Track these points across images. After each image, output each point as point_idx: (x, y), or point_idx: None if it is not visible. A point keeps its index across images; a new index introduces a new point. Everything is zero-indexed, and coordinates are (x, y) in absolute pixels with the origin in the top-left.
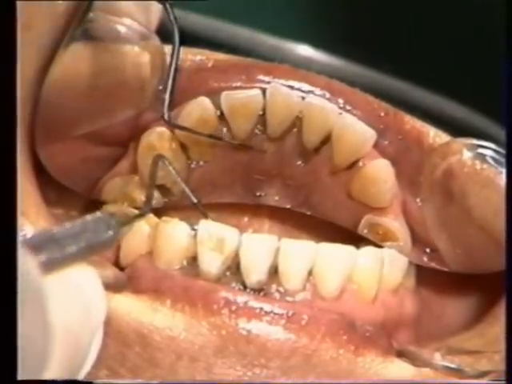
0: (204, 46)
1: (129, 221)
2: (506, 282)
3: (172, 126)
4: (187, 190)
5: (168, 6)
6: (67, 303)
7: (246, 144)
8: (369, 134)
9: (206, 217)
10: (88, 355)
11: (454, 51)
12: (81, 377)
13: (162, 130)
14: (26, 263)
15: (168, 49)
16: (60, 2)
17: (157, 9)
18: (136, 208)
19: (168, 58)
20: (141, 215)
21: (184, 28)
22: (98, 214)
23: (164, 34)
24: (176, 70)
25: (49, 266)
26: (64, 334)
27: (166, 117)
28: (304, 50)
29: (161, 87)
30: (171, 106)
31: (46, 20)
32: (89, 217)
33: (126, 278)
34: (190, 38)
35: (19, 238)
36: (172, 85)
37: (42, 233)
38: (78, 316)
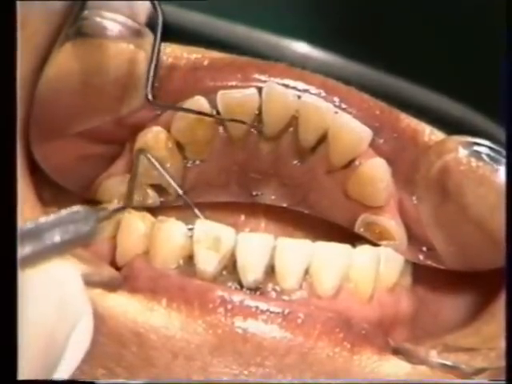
0: (200, 43)
1: (108, 215)
2: (505, 280)
3: (156, 105)
4: (172, 182)
5: None
6: (40, 298)
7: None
8: (365, 133)
9: (192, 210)
10: (66, 349)
11: (450, 49)
12: (65, 372)
13: (158, 129)
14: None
15: (168, 46)
16: (54, 1)
17: (145, 4)
18: (133, 208)
19: (164, 56)
20: (120, 209)
21: (180, 26)
22: (76, 207)
23: (168, 31)
24: (159, 49)
25: (19, 263)
26: (36, 329)
27: (149, 97)
28: (301, 48)
29: (156, 85)
30: (154, 87)
31: (40, 19)
32: (65, 210)
33: (122, 278)
34: (186, 36)
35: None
36: (155, 64)
37: (22, 227)
38: (53, 310)
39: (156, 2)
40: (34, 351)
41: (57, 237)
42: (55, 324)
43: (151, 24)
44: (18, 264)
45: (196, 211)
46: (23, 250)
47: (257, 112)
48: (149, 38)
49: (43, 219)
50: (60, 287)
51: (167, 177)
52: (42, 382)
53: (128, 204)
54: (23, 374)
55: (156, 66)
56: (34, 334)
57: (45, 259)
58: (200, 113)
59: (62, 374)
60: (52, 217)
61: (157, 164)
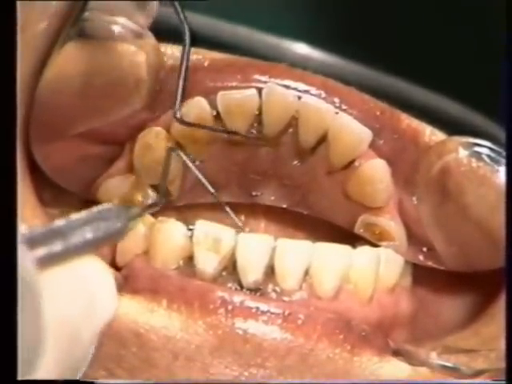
0: (201, 44)
1: (139, 213)
2: (505, 281)
3: (185, 124)
4: (204, 181)
5: (177, 5)
6: (68, 297)
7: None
8: (365, 134)
9: (224, 209)
10: (90, 351)
11: (450, 49)
12: (79, 374)
13: (158, 129)
14: (22, 260)
15: (169, 48)
16: (54, 2)
17: (151, 6)
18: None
19: (165, 58)
20: (151, 206)
21: (181, 26)
22: (107, 205)
23: (170, 33)
24: (187, 69)
25: (48, 260)
26: (60, 330)
27: (177, 115)
28: (301, 48)
29: (158, 88)
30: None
31: (40, 20)
32: (96, 208)
33: (122, 278)
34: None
35: (18, 238)
36: (183, 84)
37: (44, 227)
38: (80, 309)
39: (183, 19)
40: (58, 351)
41: (88, 234)
42: (81, 324)
43: (177, 35)
44: (47, 262)
45: (232, 216)
46: (53, 248)
47: (257, 112)
48: (149, 39)
49: (74, 216)
50: (88, 286)
51: (199, 175)
52: (42, 382)
53: (160, 202)
54: (44, 373)
55: (184, 84)
56: (58, 333)
57: (75, 257)
58: (228, 131)
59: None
60: (83, 214)
61: (189, 162)
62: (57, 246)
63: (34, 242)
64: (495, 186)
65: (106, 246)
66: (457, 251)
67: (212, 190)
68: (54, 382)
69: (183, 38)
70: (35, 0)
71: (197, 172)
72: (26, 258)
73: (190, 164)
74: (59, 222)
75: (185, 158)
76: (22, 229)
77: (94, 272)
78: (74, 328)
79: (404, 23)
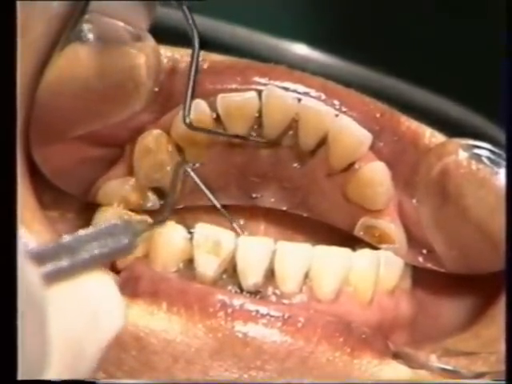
0: (201, 45)
1: (146, 228)
2: (506, 283)
3: (194, 129)
4: (211, 196)
5: (186, 9)
6: (72, 312)
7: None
8: (365, 137)
9: (230, 222)
10: (94, 363)
11: (450, 51)
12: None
13: (158, 132)
14: (28, 275)
15: (169, 50)
16: (54, 4)
17: (151, 9)
18: (131, 210)
19: (165, 60)
20: (158, 222)
21: (180, 28)
22: (114, 221)
23: (170, 35)
24: (196, 73)
25: (55, 276)
26: (65, 345)
27: (187, 121)
28: (300, 49)
29: (156, 89)
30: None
31: (40, 22)
32: (103, 224)
33: (122, 281)
34: (186, 38)
35: (19, 242)
36: (192, 89)
37: (51, 242)
38: (84, 325)
39: (193, 28)
40: (62, 366)
41: (95, 250)
42: (85, 339)
43: (177, 36)
44: (54, 277)
45: (235, 226)
46: (60, 263)
47: (257, 115)
48: (149, 41)
49: (82, 232)
50: (93, 301)
51: (204, 189)
52: (42, 382)
53: (166, 217)
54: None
55: (193, 90)
56: (62, 348)
57: (79, 273)
58: (237, 136)
59: None
60: (90, 230)
61: (195, 177)
62: (64, 262)
63: (41, 257)
64: (495, 188)
65: (112, 261)
66: (456, 253)
67: (218, 205)
68: (54, 382)
69: (192, 43)
70: (35, 0)
71: (203, 187)
72: (32, 273)
73: (198, 180)
74: (67, 238)
75: (192, 174)
76: (22, 232)
77: (99, 287)
78: (79, 343)
79: (404, 24)
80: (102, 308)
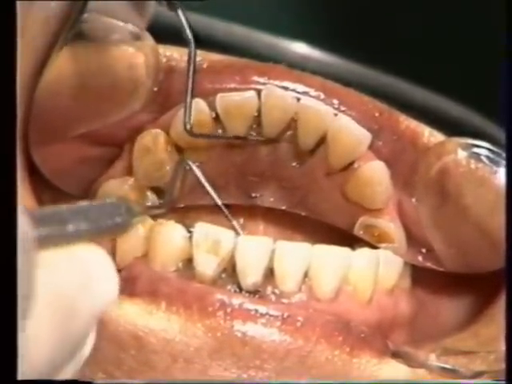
0: (198, 44)
1: (142, 211)
2: (505, 282)
3: (195, 136)
4: (213, 193)
5: (180, 12)
6: (64, 272)
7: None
8: (364, 136)
9: (229, 220)
10: (88, 327)
11: (449, 49)
12: (78, 361)
13: (157, 131)
14: (21, 223)
15: (168, 49)
16: (53, 4)
17: (149, 8)
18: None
19: (163, 59)
20: (155, 207)
21: (179, 27)
22: (110, 199)
23: (168, 34)
24: (194, 75)
25: (47, 241)
26: (57, 300)
27: (187, 127)
28: (299, 48)
29: (156, 88)
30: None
31: (39, 22)
32: (102, 200)
33: (121, 281)
34: (184, 38)
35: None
36: (191, 95)
37: (48, 208)
38: (76, 286)
39: (189, 35)
40: (54, 321)
41: (89, 223)
42: (78, 299)
43: (176, 36)
44: (46, 243)
45: (234, 224)
46: (53, 230)
47: (256, 114)
48: (148, 41)
49: (79, 203)
50: (86, 266)
51: (206, 184)
52: (42, 381)
53: (165, 205)
54: (37, 326)
55: (192, 95)
56: (54, 304)
57: (73, 242)
58: (238, 137)
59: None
60: (88, 203)
61: (197, 171)
62: (55, 230)
63: (35, 221)
64: (494, 187)
65: (105, 238)
66: (456, 252)
67: (219, 202)
68: (54, 382)
69: (189, 47)
70: (35, 0)
71: (207, 184)
72: (24, 222)
73: (201, 176)
74: (63, 207)
75: (196, 170)
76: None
77: (93, 255)
78: (71, 302)
79: (403, 23)
80: (96, 274)
